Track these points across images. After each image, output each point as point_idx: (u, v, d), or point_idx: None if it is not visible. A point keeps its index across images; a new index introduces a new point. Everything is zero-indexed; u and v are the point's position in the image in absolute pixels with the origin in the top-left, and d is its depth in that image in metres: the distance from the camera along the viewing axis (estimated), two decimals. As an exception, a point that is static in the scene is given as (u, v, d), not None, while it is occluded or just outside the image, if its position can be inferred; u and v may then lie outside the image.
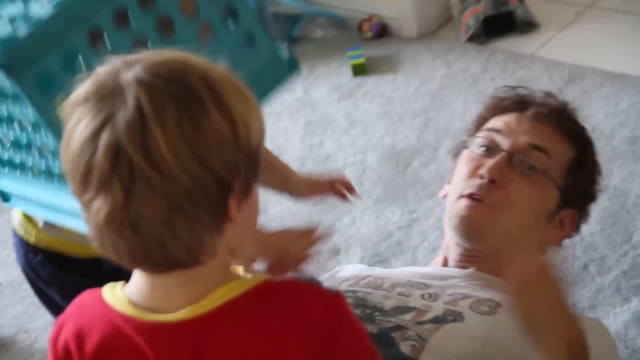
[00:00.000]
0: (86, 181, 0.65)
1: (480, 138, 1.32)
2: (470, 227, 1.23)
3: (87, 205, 0.67)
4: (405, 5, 2.37)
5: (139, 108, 0.65)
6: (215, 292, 0.77)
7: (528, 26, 2.30)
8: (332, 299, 0.79)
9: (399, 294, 1.20)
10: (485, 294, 1.11)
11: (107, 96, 0.67)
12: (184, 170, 0.65)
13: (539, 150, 1.27)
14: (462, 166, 1.32)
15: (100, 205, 0.65)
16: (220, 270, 0.77)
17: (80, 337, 0.81)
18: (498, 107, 1.39)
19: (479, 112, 1.42)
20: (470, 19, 2.29)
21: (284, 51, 1.08)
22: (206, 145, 0.67)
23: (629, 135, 1.89)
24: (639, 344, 1.42)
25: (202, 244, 0.70)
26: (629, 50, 2.19)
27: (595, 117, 1.96)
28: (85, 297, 0.84)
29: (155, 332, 0.78)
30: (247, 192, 0.73)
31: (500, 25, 2.29)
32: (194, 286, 0.77)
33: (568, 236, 1.34)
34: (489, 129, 1.32)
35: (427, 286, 1.19)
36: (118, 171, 0.64)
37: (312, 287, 0.80)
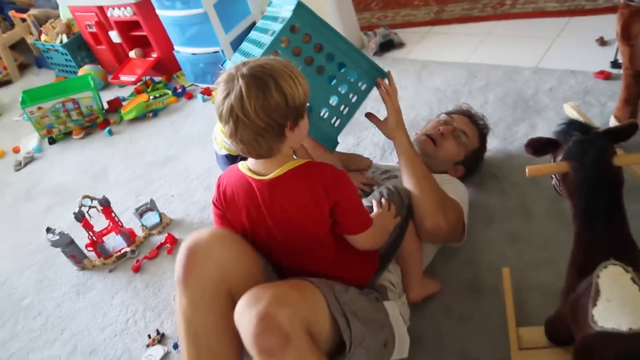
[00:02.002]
0: (221, 119, 1.18)
1: (445, 117, 2.01)
2: (423, 150, 1.88)
3: (224, 129, 1.20)
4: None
5: (240, 89, 1.16)
6: (284, 166, 1.28)
7: (401, 45, 3.02)
8: (337, 170, 1.29)
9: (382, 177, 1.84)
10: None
11: (229, 81, 1.18)
12: (259, 119, 1.16)
13: (465, 134, 1.95)
14: (431, 123, 2.02)
15: (227, 130, 1.19)
16: (286, 157, 1.28)
17: (225, 183, 1.37)
18: (455, 109, 2.08)
19: (450, 109, 2.10)
20: (373, 45, 3.01)
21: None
22: (270, 108, 1.16)
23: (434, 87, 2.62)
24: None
25: (273, 148, 1.23)
26: (449, 51, 2.82)
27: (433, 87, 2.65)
28: (230, 167, 1.40)
29: (258, 182, 1.30)
30: (295, 125, 1.22)
31: (387, 46, 3.00)
32: (274, 164, 1.28)
33: (456, 176, 1.93)
34: (448, 114, 2.02)
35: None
36: (231, 117, 1.17)
37: (329, 165, 1.30)
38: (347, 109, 1.71)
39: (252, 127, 1.17)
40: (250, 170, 1.31)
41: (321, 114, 1.68)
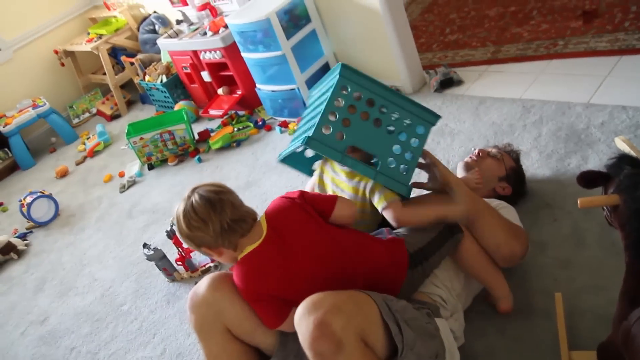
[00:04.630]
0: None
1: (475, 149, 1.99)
2: (467, 171, 1.87)
3: None
4: (405, 80, 2.98)
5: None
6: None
7: (459, 82, 2.93)
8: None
9: None
10: None
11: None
12: None
13: (497, 150, 1.97)
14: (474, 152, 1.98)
15: None
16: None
17: None
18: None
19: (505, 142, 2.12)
20: (434, 82, 2.94)
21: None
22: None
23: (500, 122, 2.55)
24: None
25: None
26: (504, 88, 2.73)
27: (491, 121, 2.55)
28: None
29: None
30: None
31: (447, 83, 2.93)
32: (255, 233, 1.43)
33: (503, 195, 1.90)
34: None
35: None
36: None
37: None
38: (411, 154, 1.65)
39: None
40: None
41: (389, 164, 1.63)
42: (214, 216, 1.34)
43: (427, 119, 1.66)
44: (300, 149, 1.77)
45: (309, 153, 1.95)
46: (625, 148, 1.93)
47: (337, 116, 1.57)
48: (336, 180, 1.71)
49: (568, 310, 1.59)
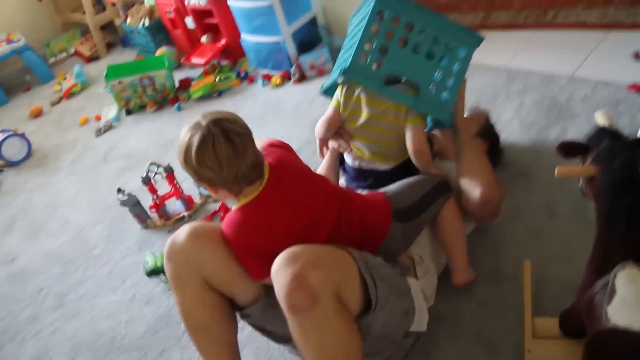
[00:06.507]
0: None
1: None
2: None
3: None
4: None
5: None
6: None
7: None
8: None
9: None
10: None
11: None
12: None
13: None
14: None
15: None
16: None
17: None
18: None
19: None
20: None
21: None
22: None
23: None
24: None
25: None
26: (491, 55, 2.59)
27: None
28: None
29: None
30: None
31: None
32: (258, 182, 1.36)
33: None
34: None
35: None
36: None
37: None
38: (453, 80, 1.59)
39: None
40: None
41: (429, 91, 1.58)
42: (233, 163, 1.25)
43: (470, 40, 1.57)
44: (340, 80, 1.68)
45: None
46: (605, 122, 1.98)
47: (374, 44, 1.50)
48: (372, 100, 1.67)
49: (535, 278, 1.61)
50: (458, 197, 1.63)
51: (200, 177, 1.28)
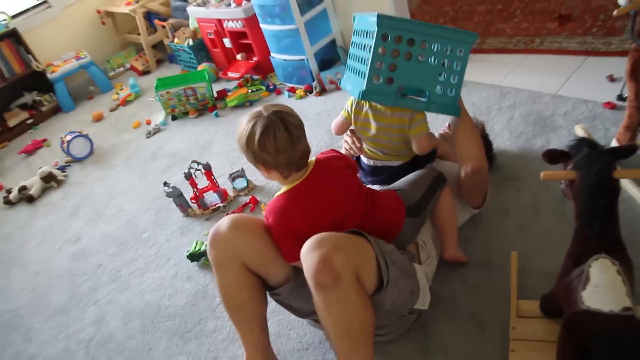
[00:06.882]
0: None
1: (446, 123, 1.95)
2: (444, 139, 1.93)
3: None
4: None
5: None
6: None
7: None
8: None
9: None
10: None
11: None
12: None
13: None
14: None
15: None
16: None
17: None
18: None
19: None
20: None
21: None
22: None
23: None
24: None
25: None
26: (485, 74, 2.65)
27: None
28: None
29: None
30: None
31: None
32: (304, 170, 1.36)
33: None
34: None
35: None
36: None
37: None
38: (456, 77, 1.55)
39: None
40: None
41: (437, 92, 1.55)
42: (290, 150, 1.24)
43: (465, 40, 1.53)
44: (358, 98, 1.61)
45: None
46: (583, 134, 1.96)
47: (384, 64, 1.47)
48: (378, 116, 1.64)
49: (520, 267, 1.60)
50: (451, 187, 1.65)
51: (258, 160, 1.27)
